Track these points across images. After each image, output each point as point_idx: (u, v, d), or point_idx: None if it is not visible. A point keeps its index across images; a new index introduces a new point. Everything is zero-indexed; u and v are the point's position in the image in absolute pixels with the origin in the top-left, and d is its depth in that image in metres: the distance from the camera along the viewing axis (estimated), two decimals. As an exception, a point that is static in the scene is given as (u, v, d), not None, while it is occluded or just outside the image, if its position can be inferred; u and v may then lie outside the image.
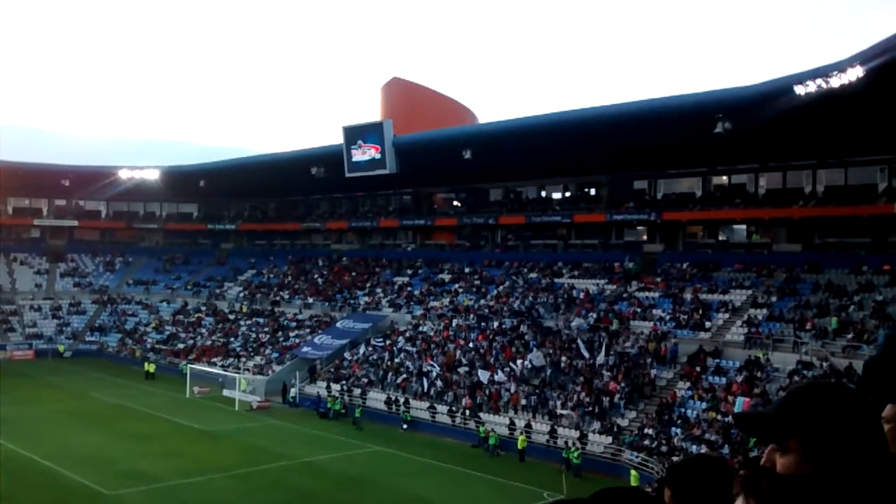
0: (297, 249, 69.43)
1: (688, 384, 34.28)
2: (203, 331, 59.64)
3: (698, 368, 34.77)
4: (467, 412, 37.37)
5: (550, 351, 39.11)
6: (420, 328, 47.52)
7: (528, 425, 34.81)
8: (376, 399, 41.64)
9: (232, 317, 60.38)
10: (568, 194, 55.59)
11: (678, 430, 31.01)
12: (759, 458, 1.67)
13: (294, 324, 55.62)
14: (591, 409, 34.13)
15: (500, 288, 49.10)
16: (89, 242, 74.58)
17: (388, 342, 46.87)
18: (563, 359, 38.13)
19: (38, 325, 63.57)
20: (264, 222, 73.38)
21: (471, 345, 42.69)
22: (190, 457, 32.27)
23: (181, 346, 57.56)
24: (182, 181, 66.84)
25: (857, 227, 40.01)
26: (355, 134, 52.01)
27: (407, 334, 47.02)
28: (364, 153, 51.38)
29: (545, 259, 51.56)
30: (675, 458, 26.96)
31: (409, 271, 57.13)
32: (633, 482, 28.16)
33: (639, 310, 40.92)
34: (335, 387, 43.84)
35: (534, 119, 44.60)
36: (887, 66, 27.86)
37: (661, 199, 49.36)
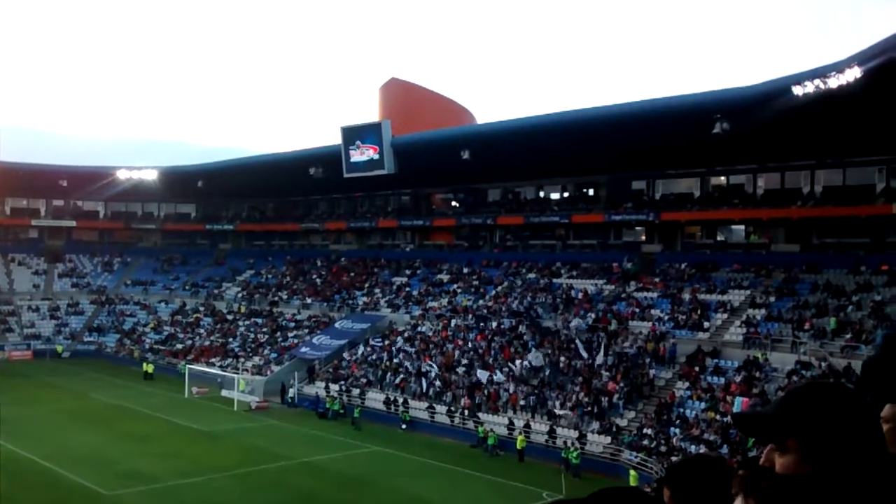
0: (296, 250, 69.40)
1: (686, 384, 34.31)
2: (201, 331, 59.61)
3: (697, 368, 34.79)
4: (466, 412, 37.38)
5: (549, 351, 39.12)
6: (419, 328, 47.52)
7: (527, 425, 34.82)
8: (375, 399, 41.63)
9: (230, 317, 60.35)
10: (566, 195, 55.61)
11: (677, 430, 31.03)
12: (757, 458, 1.68)
13: (292, 324, 55.60)
14: (589, 409, 34.15)
15: (499, 288, 49.11)
16: (87, 243, 74.53)
17: (386, 342, 46.87)
18: (562, 359, 38.14)
19: (36, 325, 63.50)
20: (262, 223, 73.34)
21: (469, 345, 42.69)
22: (189, 457, 32.26)
23: (179, 346, 57.53)
24: (180, 181, 66.79)
25: (855, 227, 40.05)
26: (353, 134, 52.00)
27: (405, 334, 47.02)
28: (362, 154, 51.38)
29: (544, 259, 51.58)
30: (673, 458, 26.97)
31: (408, 271, 57.13)
32: (632, 482, 28.16)
33: (637, 310, 40.94)
34: (334, 387, 43.83)
35: (532, 119, 44.62)
36: (885, 67, 27.89)
37: (659, 200, 49.39)
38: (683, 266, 43.91)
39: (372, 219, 64.07)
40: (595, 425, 33.34)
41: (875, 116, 33.79)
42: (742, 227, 47.48)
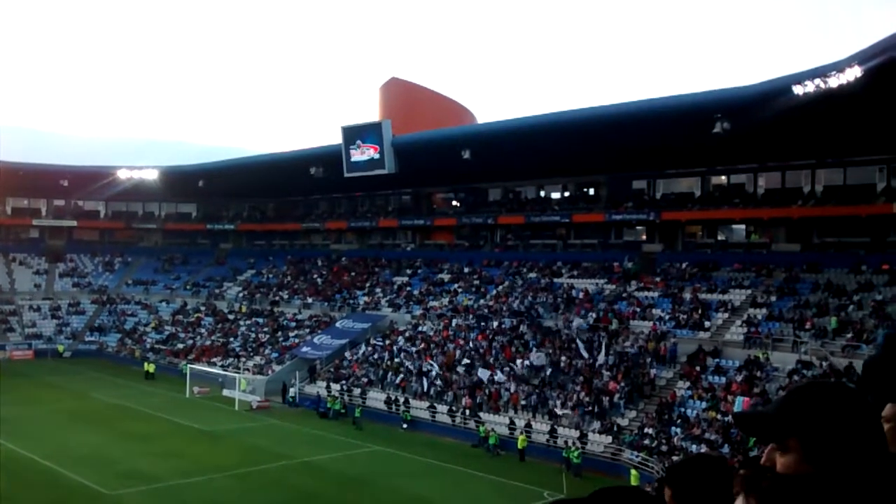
0: (297, 249, 69.40)
1: (687, 384, 34.30)
2: (202, 331, 59.63)
3: (698, 368, 34.78)
4: (467, 412, 37.38)
5: (550, 351, 39.12)
6: (419, 328, 47.52)
7: (528, 425, 34.82)
8: (376, 399, 41.64)
9: (231, 317, 60.37)
10: (567, 194, 55.60)
11: (678, 430, 31.02)
12: (758, 458, 1.68)
13: (293, 324, 55.62)
14: (590, 408, 34.15)
15: (500, 288, 49.10)
16: (88, 242, 74.55)
17: (387, 342, 46.87)
18: (563, 358, 38.14)
19: (37, 325, 63.55)
20: (263, 222, 73.35)
21: (470, 344, 42.69)
22: (190, 457, 32.27)
23: (181, 346, 57.55)
24: (181, 181, 66.80)
25: (855, 226, 40.04)
26: (354, 134, 52.00)
27: (406, 334, 47.03)
28: (363, 153, 51.37)
29: (544, 259, 51.56)
30: (674, 458, 26.98)
31: (409, 271, 57.12)
32: (633, 482, 28.16)
33: (638, 309, 40.93)
34: (335, 386, 43.84)
35: (533, 119, 44.59)
36: (885, 67, 27.87)
37: (660, 199, 49.37)
38: (684, 265, 43.90)
39: (372, 218, 64.06)
40: (596, 425, 33.34)
41: (875, 116, 33.77)
42: (743, 226, 47.48)
